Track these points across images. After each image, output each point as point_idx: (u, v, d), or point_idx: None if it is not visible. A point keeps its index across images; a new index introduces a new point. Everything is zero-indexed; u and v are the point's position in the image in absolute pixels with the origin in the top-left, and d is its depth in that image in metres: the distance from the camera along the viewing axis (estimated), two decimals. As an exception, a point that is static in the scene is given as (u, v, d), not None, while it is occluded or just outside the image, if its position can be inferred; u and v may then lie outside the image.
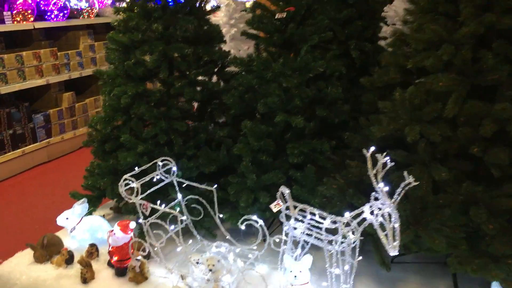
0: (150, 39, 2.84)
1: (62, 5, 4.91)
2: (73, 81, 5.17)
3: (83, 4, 5.25)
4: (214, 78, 3.08)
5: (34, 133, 4.72)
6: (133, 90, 2.76)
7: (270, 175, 2.65)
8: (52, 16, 4.87)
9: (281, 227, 2.31)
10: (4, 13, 4.37)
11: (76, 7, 5.20)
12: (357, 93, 2.94)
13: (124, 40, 2.82)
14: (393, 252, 1.86)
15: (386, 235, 1.88)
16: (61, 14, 4.91)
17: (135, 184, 2.42)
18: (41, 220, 3.66)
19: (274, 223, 2.79)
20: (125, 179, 2.42)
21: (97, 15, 5.50)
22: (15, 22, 4.48)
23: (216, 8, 2.98)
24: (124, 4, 2.94)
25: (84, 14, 5.26)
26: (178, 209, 2.66)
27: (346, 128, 2.78)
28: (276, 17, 2.65)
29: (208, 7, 3.10)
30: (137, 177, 2.44)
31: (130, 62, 2.78)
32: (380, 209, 1.91)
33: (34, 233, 3.44)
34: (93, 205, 2.99)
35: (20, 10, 4.52)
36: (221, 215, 2.65)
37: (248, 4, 4.36)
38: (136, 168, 2.57)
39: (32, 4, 4.64)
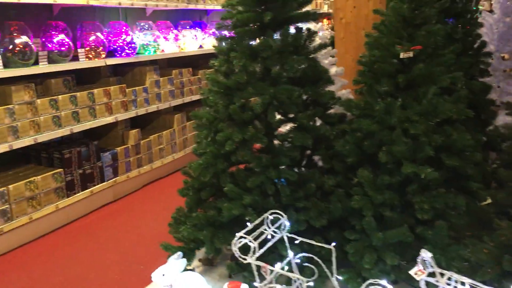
0: (254, 80, 2.63)
1: (130, 41, 4.82)
2: (136, 117, 5.03)
3: (149, 39, 5.15)
4: (317, 121, 2.85)
5: (102, 172, 4.56)
6: (239, 136, 2.53)
7: (396, 233, 2.36)
8: (122, 52, 4.77)
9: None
10: (79, 50, 4.28)
11: (142, 42, 5.10)
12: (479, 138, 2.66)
13: (228, 83, 2.61)
14: None
15: None
16: (130, 51, 4.81)
17: (253, 244, 2.17)
18: (117, 267, 3.44)
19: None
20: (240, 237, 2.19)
21: (162, 51, 5.39)
22: (87, 59, 4.38)
23: (323, 46, 2.76)
24: (225, 44, 2.75)
25: (151, 49, 5.16)
26: (286, 267, 2.40)
27: (475, 179, 2.49)
28: (401, 57, 2.41)
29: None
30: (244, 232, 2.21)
31: (236, 106, 2.57)
32: None
33: (112, 283, 3.22)
34: (188, 259, 2.75)
35: (93, 46, 4.43)
36: (339, 277, 2.36)
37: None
38: (248, 224, 2.33)
39: (104, 40, 4.55)
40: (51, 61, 4.02)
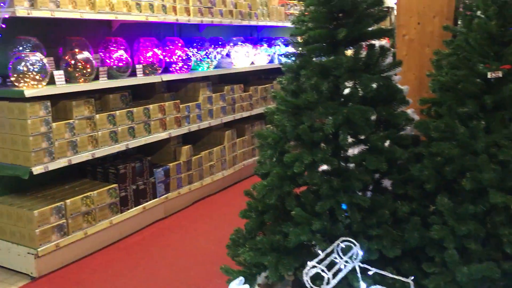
0: (323, 99, 2.51)
1: (185, 57, 4.81)
2: (187, 133, 5.00)
3: (203, 55, 5.14)
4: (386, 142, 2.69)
5: (154, 188, 4.53)
6: (308, 157, 2.41)
7: (482, 268, 2.17)
8: (177, 68, 4.77)
9: None
10: (136, 66, 4.30)
11: (196, 58, 5.09)
12: None
13: (297, 102, 2.50)
14: None
15: None
16: (185, 66, 4.80)
17: (326, 274, 2.03)
18: (169, 286, 3.36)
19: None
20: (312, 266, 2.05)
21: (216, 66, 5.37)
22: (144, 75, 4.39)
23: (398, 64, 2.62)
24: (293, 61, 2.65)
25: (204, 65, 5.14)
26: (357, 299, 2.24)
27: None
28: (489, 76, 2.24)
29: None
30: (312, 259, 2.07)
31: (305, 126, 2.45)
32: None
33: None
34: (250, 284, 2.63)
35: (150, 62, 4.44)
36: (416, 313, 2.18)
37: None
38: (321, 252, 2.19)
39: (161, 56, 4.55)
40: (110, 76, 4.04)
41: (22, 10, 3.26)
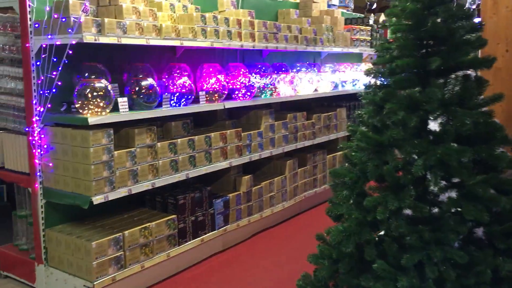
0: (410, 136, 2.22)
1: (248, 83, 4.65)
2: (247, 162, 4.79)
3: (266, 82, 4.96)
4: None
5: (213, 220, 4.34)
6: (394, 203, 2.11)
7: None
8: (239, 95, 4.61)
9: None
10: (200, 92, 4.17)
11: (259, 84, 4.92)
12: None
13: (382, 139, 2.23)
14: None
15: None
16: (248, 93, 4.64)
17: None
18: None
19: None
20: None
21: (279, 93, 5.17)
22: (207, 102, 4.25)
23: (498, 98, 2.29)
24: (374, 93, 2.39)
25: (267, 92, 4.96)
26: None
27: None
28: None
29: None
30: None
31: (390, 167, 2.17)
32: None
33: None
34: None
35: (213, 89, 4.30)
36: None
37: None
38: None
39: (224, 83, 4.41)
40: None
41: (89, 36, 3.21)
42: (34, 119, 3.43)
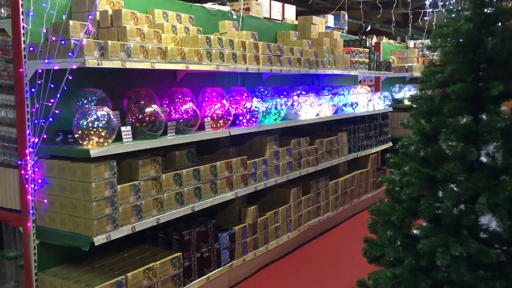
0: (469, 170, 1.99)
1: (252, 108, 4.40)
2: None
3: (269, 106, 4.72)
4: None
5: (219, 256, 4.02)
6: (457, 247, 1.87)
7: None
8: (244, 120, 4.35)
9: None
10: (205, 119, 3.89)
11: (263, 109, 4.67)
12: None
13: (435, 173, 1.99)
14: None
15: None
16: (253, 119, 4.38)
17: None
18: None
19: None
20: None
21: (283, 119, 4.93)
22: (212, 129, 3.98)
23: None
24: (425, 121, 2.16)
25: (271, 117, 4.72)
26: None
27: None
28: None
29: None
30: None
31: (450, 206, 1.92)
32: None
33: None
34: None
35: (218, 115, 4.03)
36: None
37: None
38: None
39: (230, 109, 4.15)
40: (177, 131, 3.64)
41: (92, 60, 2.92)
42: (27, 151, 3.09)
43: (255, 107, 4.45)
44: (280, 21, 5.86)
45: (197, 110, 3.82)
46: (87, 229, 2.99)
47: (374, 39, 8.33)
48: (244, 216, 4.41)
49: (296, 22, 6.10)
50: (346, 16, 7.35)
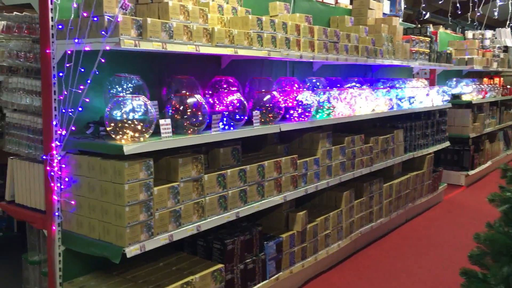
0: None
1: (304, 101, 3.89)
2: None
3: (323, 99, 4.20)
4: None
5: (264, 267, 3.56)
6: None
7: None
8: (295, 114, 3.85)
9: None
10: (253, 112, 3.42)
11: (315, 103, 4.15)
12: None
13: None
14: None
15: None
16: (306, 113, 3.87)
17: None
18: None
19: None
20: None
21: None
22: (261, 124, 3.49)
23: None
24: None
25: (325, 111, 4.19)
26: None
27: None
28: None
29: None
30: None
31: None
32: None
33: None
34: None
35: (268, 108, 3.55)
36: None
37: None
38: None
39: (281, 101, 3.66)
40: (223, 125, 3.18)
41: (128, 41, 2.48)
42: (53, 145, 2.70)
43: (309, 101, 3.93)
44: (333, 5, 5.31)
45: (244, 102, 3.35)
46: (118, 238, 2.57)
47: (431, 28, 7.64)
48: (293, 223, 3.92)
49: (350, 7, 5.53)
50: (403, 1, 6.70)
